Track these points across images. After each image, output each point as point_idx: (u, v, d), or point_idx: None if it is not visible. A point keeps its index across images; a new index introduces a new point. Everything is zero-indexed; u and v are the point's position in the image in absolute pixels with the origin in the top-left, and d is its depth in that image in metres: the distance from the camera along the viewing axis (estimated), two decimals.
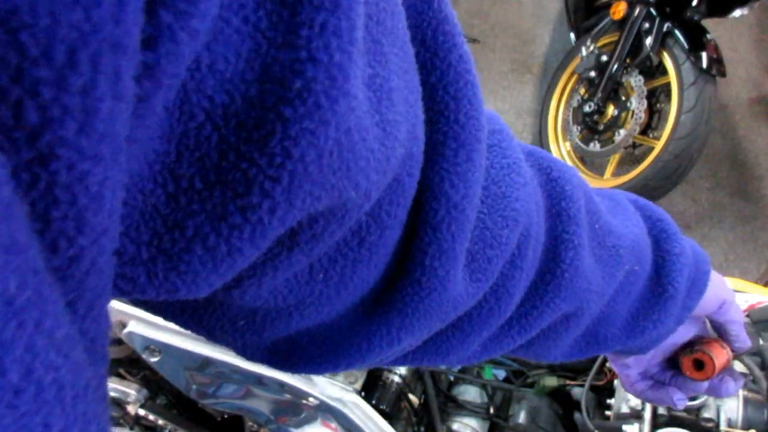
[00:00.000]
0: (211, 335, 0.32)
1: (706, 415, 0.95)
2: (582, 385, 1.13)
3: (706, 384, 0.57)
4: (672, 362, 0.59)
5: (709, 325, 0.58)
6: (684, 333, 0.57)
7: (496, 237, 0.35)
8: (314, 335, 0.34)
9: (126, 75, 0.16)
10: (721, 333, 0.57)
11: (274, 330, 0.32)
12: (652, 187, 2.33)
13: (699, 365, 0.55)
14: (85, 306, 0.18)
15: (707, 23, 2.34)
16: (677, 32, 2.29)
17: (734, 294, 0.55)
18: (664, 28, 2.32)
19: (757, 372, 0.97)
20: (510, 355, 0.46)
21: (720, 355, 0.55)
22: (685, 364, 0.56)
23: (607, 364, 1.14)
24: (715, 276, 0.53)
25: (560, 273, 0.39)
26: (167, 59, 0.18)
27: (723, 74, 2.29)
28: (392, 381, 1.17)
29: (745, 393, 0.97)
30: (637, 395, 0.59)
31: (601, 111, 2.52)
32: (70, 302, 0.17)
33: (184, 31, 0.18)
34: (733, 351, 0.58)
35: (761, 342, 0.99)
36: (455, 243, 0.31)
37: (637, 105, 2.42)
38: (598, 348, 0.48)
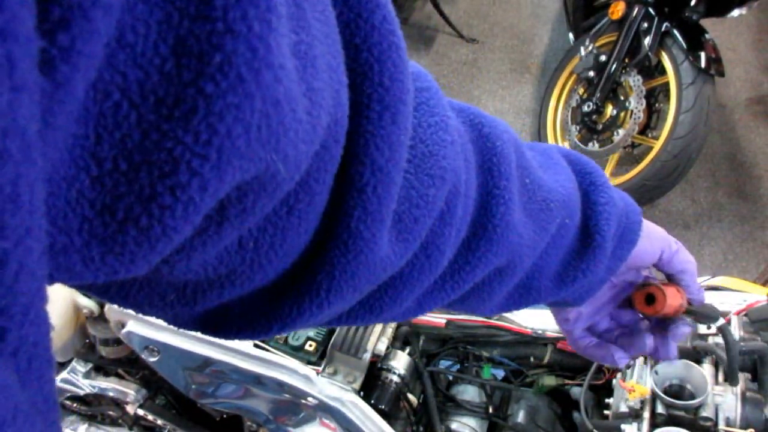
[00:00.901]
0: (140, 309, 0.31)
1: (704, 414, 0.95)
2: (581, 385, 1.13)
3: (651, 342, 0.56)
4: (620, 320, 0.59)
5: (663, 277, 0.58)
6: (624, 283, 0.57)
7: (422, 197, 0.35)
8: (246, 302, 0.33)
9: (22, 63, 0.15)
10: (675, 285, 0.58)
11: (206, 301, 0.31)
12: (651, 187, 2.34)
13: (650, 299, 0.55)
14: (20, 311, 0.17)
15: (706, 23, 2.34)
16: (676, 32, 2.29)
17: (678, 244, 0.55)
18: (663, 28, 2.32)
19: (724, 356, 0.97)
20: (445, 309, 0.47)
21: (673, 296, 0.55)
22: (638, 298, 0.56)
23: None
24: (652, 227, 0.53)
25: (491, 228, 0.40)
26: (82, 39, 0.17)
27: (721, 74, 2.29)
28: (391, 380, 1.17)
29: (745, 391, 0.97)
30: (581, 351, 0.59)
31: (599, 111, 2.52)
32: (1, 309, 0.17)
33: (96, 7, 0.17)
34: (690, 303, 0.57)
35: (759, 341, 0.99)
36: (381, 206, 0.31)
37: (636, 105, 2.42)
38: (531, 300, 0.49)
